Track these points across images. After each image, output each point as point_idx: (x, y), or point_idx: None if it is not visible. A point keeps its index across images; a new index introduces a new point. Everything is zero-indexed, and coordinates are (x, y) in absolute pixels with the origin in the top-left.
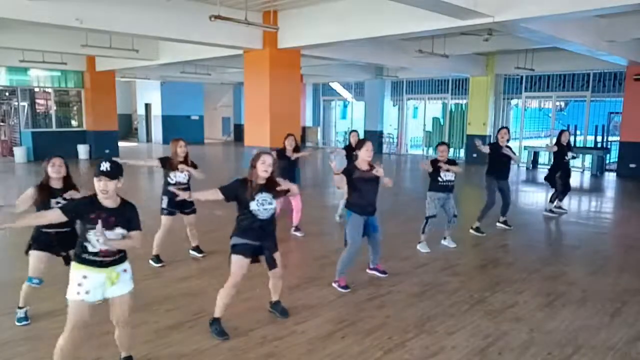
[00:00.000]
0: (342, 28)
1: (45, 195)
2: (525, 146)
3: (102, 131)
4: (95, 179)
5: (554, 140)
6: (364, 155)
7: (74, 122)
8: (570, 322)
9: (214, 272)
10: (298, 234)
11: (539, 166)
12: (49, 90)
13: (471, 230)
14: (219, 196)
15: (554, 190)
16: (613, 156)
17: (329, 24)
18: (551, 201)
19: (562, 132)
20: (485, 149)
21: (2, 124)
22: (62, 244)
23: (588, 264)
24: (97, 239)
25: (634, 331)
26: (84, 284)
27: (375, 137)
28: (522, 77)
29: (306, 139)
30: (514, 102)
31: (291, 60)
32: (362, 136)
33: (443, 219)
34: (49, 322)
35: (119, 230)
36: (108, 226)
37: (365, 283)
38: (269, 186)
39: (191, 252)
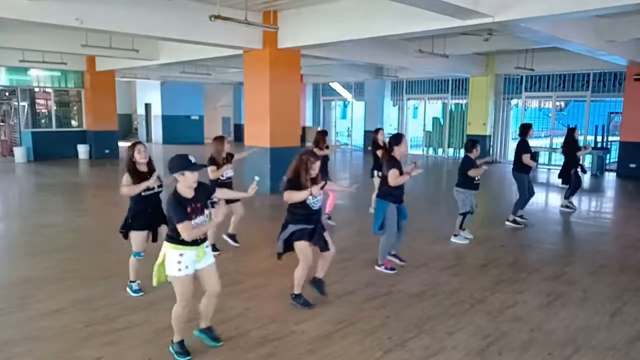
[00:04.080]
0: (342, 28)
1: (140, 179)
2: None
3: (102, 131)
4: (189, 173)
5: (550, 140)
6: (405, 150)
7: (74, 122)
8: (570, 322)
9: None
10: (331, 222)
11: (539, 166)
12: (49, 90)
13: (508, 223)
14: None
15: (568, 186)
16: (613, 156)
17: (329, 24)
18: (566, 197)
19: (573, 129)
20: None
21: (2, 124)
22: (154, 220)
23: (588, 264)
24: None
25: (634, 331)
26: (182, 261)
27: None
28: (522, 77)
29: (306, 138)
30: (514, 102)
31: (291, 60)
32: (360, 136)
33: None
34: (49, 322)
35: (207, 211)
36: (200, 212)
37: (365, 283)
38: (314, 179)
39: (228, 239)
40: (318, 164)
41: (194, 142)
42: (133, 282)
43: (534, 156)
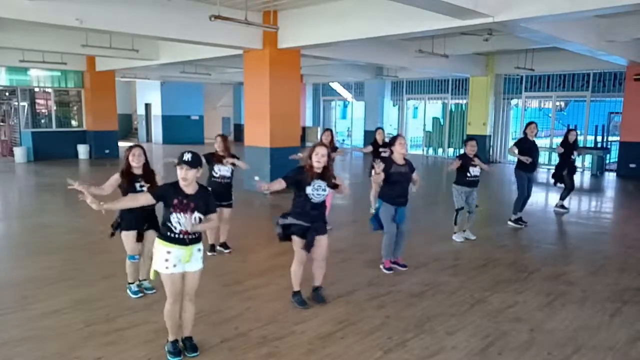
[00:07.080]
0: (342, 28)
1: (129, 180)
2: None
3: (102, 131)
4: (177, 168)
5: (550, 140)
6: (399, 150)
7: (74, 122)
8: (570, 322)
9: (214, 272)
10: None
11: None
12: (49, 90)
13: (510, 223)
14: (283, 184)
15: (563, 187)
16: (613, 156)
17: (329, 24)
18: (562, 198)
19: (569, 131)
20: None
21: (2, 124)
22: (142, 222)
23: (588, 264)
24: (178, 222)
25: (634, 331)
26: (170, 259)
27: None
28: (522, 77)
29: (306, 139)
30: (514, 102)
31: (291, 60)
32: (361, 134)
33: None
34: (49, 322)
35: (197, 214)
36: (188, 210)
37: (365, 283)
38: (324, 175)
39: (218, 248)
40: (324, 150)
41: (193, 142)
42: (131, 283)
43: (531, 154)
